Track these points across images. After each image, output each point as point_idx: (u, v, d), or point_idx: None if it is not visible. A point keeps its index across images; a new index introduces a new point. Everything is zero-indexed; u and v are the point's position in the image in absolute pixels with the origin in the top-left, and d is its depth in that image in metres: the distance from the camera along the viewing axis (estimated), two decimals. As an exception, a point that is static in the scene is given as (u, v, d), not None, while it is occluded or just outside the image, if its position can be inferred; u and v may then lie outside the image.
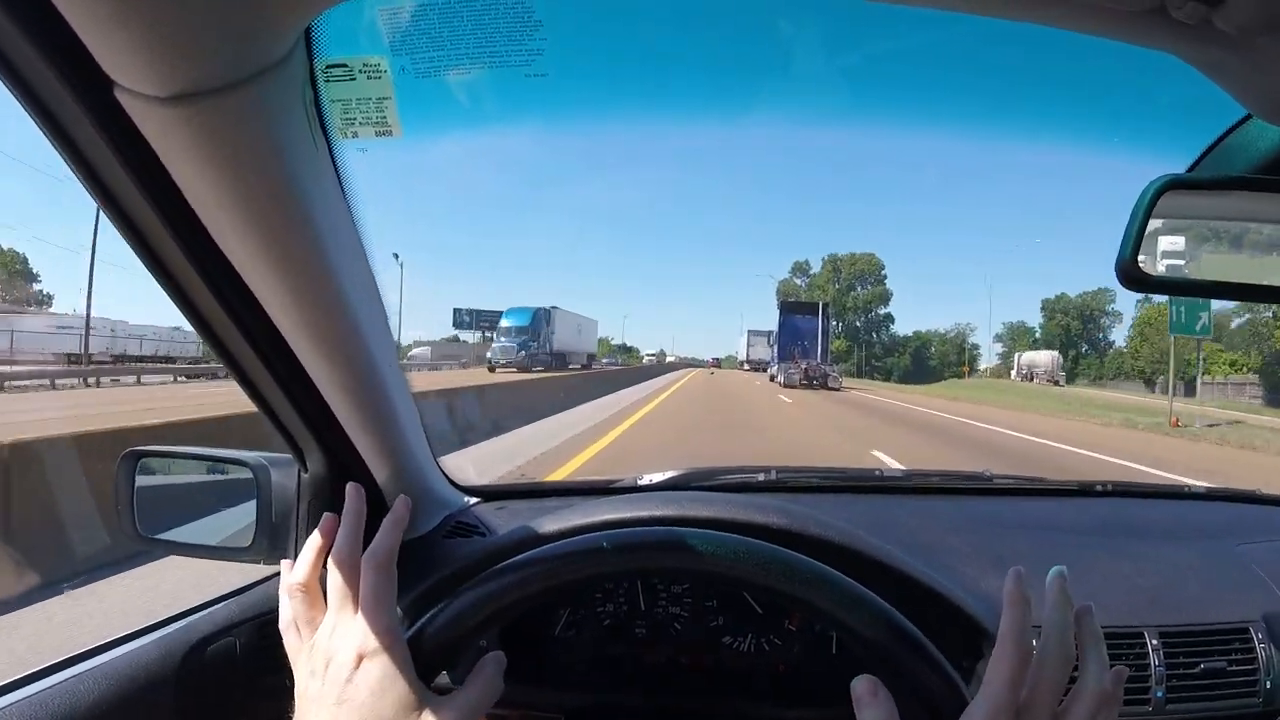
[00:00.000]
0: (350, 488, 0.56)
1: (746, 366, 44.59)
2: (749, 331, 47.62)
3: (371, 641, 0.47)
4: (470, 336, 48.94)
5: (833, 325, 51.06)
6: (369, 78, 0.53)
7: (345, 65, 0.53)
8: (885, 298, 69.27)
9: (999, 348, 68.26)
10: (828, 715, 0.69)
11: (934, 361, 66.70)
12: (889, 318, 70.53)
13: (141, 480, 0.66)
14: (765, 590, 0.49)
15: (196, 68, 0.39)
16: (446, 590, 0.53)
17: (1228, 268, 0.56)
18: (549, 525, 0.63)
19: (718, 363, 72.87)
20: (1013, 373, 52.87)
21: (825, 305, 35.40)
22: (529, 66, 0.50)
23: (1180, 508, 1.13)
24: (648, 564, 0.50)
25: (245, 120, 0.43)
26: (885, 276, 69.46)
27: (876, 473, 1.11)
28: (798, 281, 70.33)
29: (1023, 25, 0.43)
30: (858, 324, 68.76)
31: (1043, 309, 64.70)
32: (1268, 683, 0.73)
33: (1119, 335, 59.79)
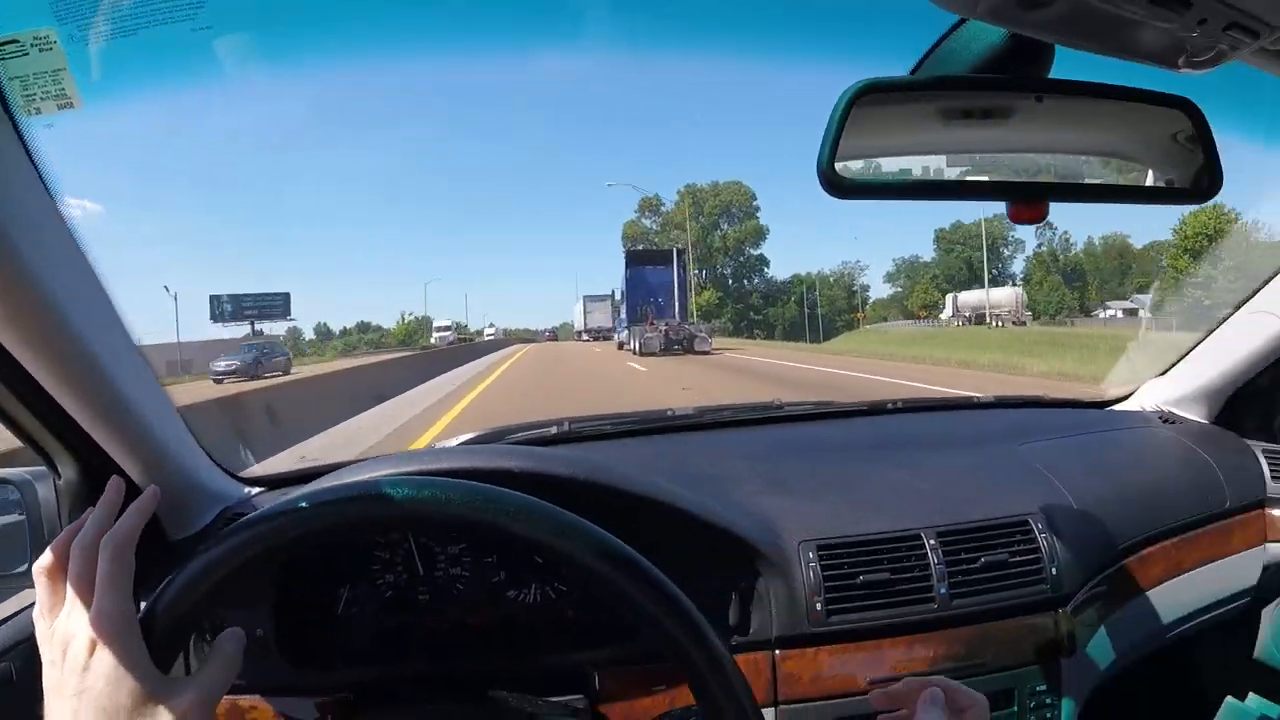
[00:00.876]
0: (111, 480, 0.55)
1: (585, 336, 38.90)
2: (585, 297, 40.81)
3: (105, 628, 0.46)
4: (232, 331, 38.02)
5: (693, 275, 44.32)
6: (40, 50, 0.52)
7: (16, 40, 0.52)
8: (760, 234, 55.60)
9: (892, 289, 58.52)
10: (618, 653, 0.68)
11: (823, 308, 54.90)
12: (763, 260, 57.04)
13: None
14: (480, 529, 0.48)
15: None
16: None
17: (937, 169, 0.56)
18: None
19: (554, 334, 62.97)
20: (945, 316, 42.63)
21: (681, 251, 30.55)
22: (193, 20, 0.50)
23: (968, 418, 1.15)
24: (348, 517, 0.48)
25: None
26: (758, 208, 55.93)
27: (669, 412, 1.11)
28: (646, 223, 56.19)
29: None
30: (726, 271, 56.04)
31: (936, 240, 54.74)
32: (1053, 569, 0.75)
33: (1017, 267, 51.59)
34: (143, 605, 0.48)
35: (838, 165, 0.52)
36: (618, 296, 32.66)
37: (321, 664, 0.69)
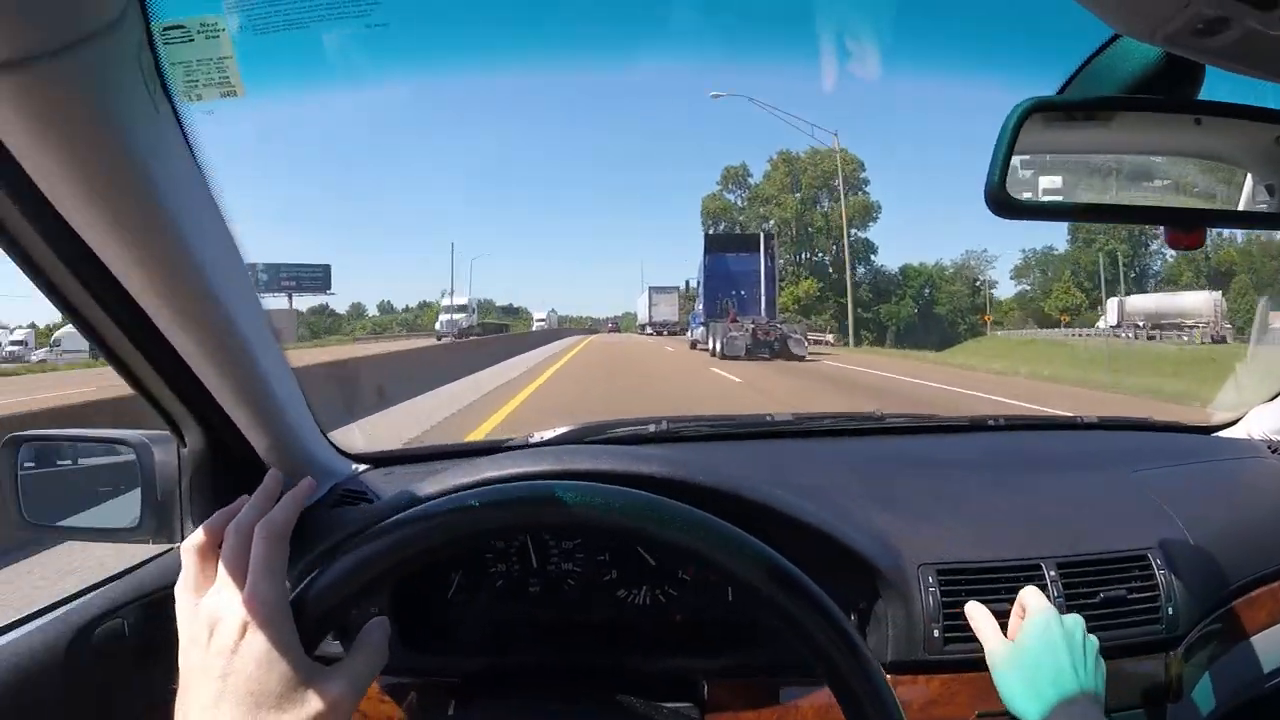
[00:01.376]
0: (270, 473, 0.55)
1: (649, 330, 36.23)
2: (651, 289, 37.68)
3: (259, 611, 0.46)
4: (276, 301, 34.49)
5: (786, 261, 38.29)
6: (207, 37, 0.51)
7: (183, 26, 0.51)
8: (869, 213, 43.01)
9: (1018, 285, 47.80)
10: (726, 663, 0.68)
11: (940, 307, 43.78)
12: (869, 246, 44.46)
13: (24, 466, 0.65)
14: (641, 538, 0.48)
15: (19, 33, 0.37)
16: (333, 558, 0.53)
17: (1098, 190, 0.56)
18: (430, 486, 0.62)
19: (616, 325, 61.31)
20: (1104, 324, 32.34)
21: (770, 236, 24.60)
22: (368, 16, 0.49)
23: (1074, 438, 1.12)
24: (520, 519, 0.48)
25: (77, 87, 0.42)
26: (866, 181, 43.09)
27: (767, 418, 1.10)
28: (730, 197, 46.02)
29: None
30: (825, 257, 44.04)
31: (1072, 231, 41.57)
32: (1169, 609, 0.73)
33: (1157, 265, 41.76)
34: (294, 590, 0.48)
35: (1008, 185, 0.52)
36: (688, 288, 30.24)
37: (430, 647, 0.70)
